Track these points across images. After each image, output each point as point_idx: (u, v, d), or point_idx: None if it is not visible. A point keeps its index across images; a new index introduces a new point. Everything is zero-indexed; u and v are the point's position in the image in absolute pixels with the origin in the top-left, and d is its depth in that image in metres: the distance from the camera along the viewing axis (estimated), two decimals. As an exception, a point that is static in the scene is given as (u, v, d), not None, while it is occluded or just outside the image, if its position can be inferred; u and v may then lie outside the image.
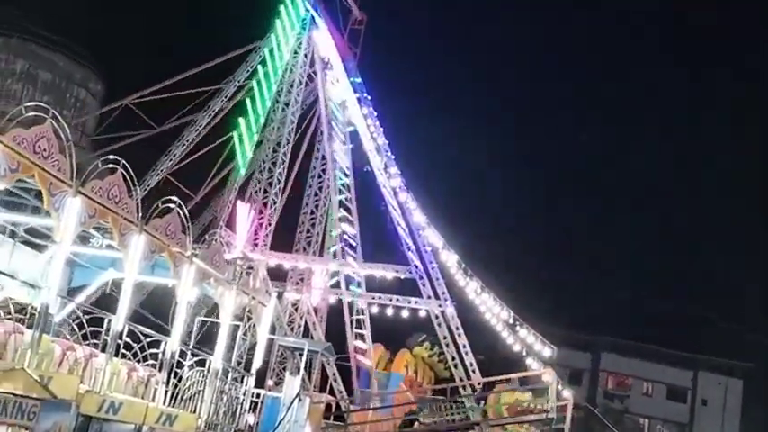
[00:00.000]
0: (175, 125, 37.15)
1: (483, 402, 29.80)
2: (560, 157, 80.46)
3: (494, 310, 33.65)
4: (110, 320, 13.29)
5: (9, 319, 12.51)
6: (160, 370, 14.74)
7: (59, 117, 11.84)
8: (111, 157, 12.90)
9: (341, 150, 38.20)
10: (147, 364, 14.96)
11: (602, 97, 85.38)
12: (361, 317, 35.64)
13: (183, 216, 14.73)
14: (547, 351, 32.69)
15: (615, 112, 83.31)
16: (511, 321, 33.57)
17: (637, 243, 73.71)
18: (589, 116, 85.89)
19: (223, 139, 37.20)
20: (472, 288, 33.86)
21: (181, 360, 15.39)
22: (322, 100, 38.20)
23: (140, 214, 13.46)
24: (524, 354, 33.25)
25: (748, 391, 63.27)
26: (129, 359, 14.57)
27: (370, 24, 42.17)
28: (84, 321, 13.50)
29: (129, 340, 14.05)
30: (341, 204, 37.11)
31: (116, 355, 13.49)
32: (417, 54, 74.13)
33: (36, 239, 15.81)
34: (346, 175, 37.89)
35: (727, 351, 61.64)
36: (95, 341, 13.72)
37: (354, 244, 36.67)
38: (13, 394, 11.28)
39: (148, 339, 14.53)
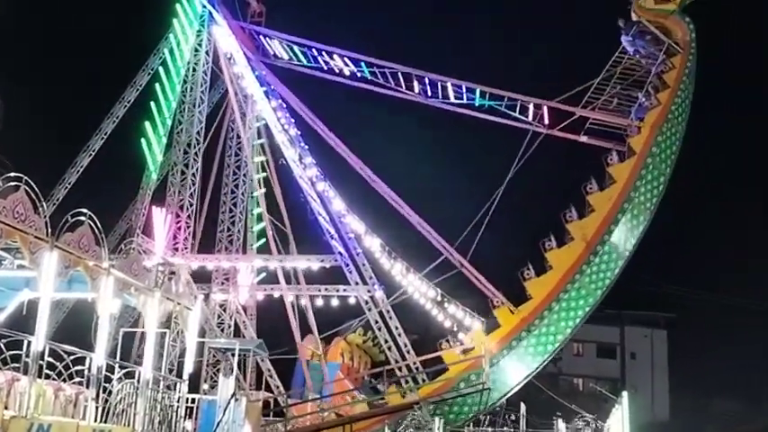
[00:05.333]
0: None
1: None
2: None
3: (421, 290, 33.89)
4: (29, 342, 12.88)
5: None
6: (88, 387, 14.37)
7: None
8: (12, 174, 12.45)
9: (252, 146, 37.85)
10: (75, 382, 14.56)
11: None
12: None
13: (95, 228, 14.35)
14: (476, 324, 33.09)
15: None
16: (438, 299, 33.87)
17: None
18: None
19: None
20: (398, 270, 34.03)
21: (109, 374, 15.03)
22: (232, 94, 37.67)
23: (50, 230, 13.06)
24: (455, 329, 33.60)
25: (672, 341, 65.40)
26: (55, 379, 14.16)
27: (269, 16, 41.81)
28: (2, 346, 13.04)
29: (52, 360, 13.65)
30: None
31: (39, 377, 13.10)
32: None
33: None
34: (264, 170, 37.62)
35: (649, 304, 63.45)
36: (16, 365, 13.29)
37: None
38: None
39: (72, 357, 14.14)
